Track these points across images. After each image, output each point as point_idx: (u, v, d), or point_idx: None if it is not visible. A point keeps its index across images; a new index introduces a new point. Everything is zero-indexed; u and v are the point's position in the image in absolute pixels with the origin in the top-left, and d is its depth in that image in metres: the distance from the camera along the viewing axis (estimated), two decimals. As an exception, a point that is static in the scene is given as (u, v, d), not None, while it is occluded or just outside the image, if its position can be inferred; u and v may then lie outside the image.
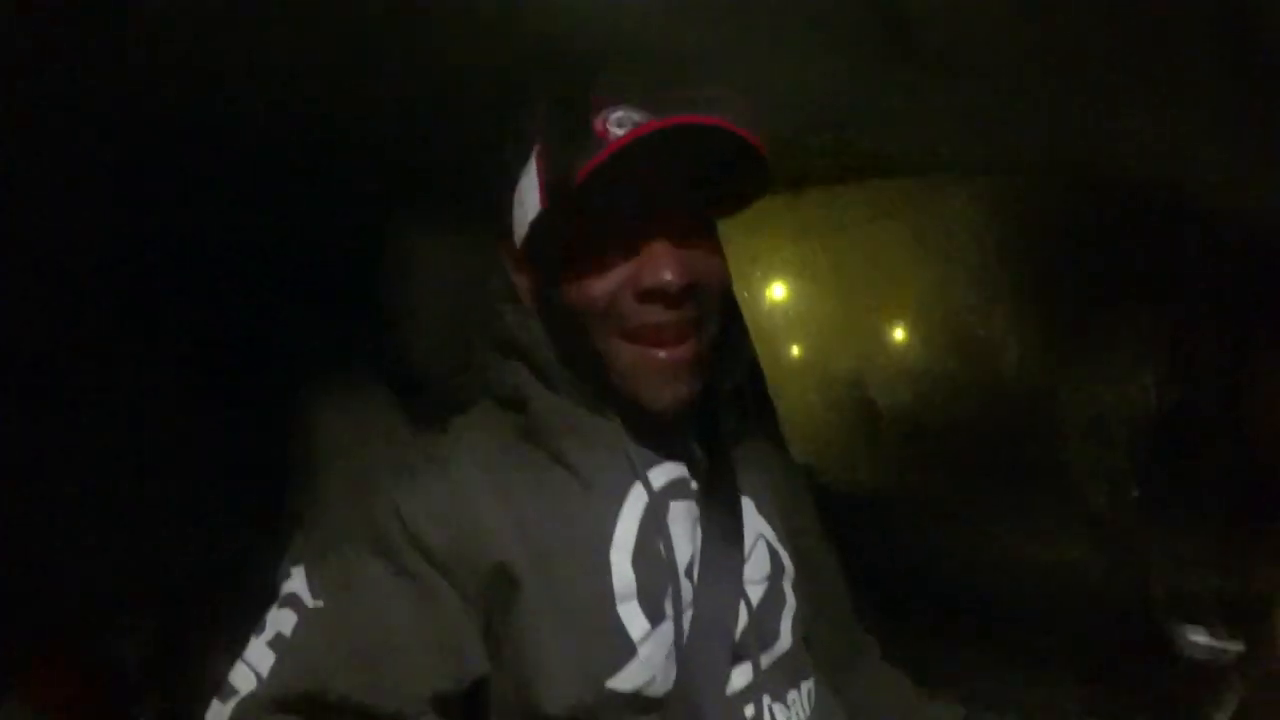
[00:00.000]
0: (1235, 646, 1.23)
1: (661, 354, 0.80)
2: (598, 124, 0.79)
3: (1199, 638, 1.32)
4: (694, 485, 0.87)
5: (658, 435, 0.85)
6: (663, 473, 0.85)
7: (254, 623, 0.78)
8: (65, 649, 1.59)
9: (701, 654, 0.79)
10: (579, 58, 1.00)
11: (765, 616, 0.86)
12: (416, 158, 1.02)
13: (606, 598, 0.78)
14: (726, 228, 0.90)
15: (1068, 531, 1.59)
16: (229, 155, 1.29)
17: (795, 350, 3.49)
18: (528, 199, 0.85)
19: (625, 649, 0.76)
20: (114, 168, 1.23)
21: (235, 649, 0.76)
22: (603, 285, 0.80)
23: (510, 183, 0.86)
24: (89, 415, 1.57)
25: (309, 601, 0.77)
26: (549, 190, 0.82)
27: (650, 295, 0.79)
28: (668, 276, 0.78)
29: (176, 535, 1.65)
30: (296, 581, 0.78)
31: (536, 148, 0.85)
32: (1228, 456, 2.40)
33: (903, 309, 3.37)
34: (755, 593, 0.86)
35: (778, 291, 3.41)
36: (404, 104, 1.12)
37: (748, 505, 0.91)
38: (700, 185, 0.83)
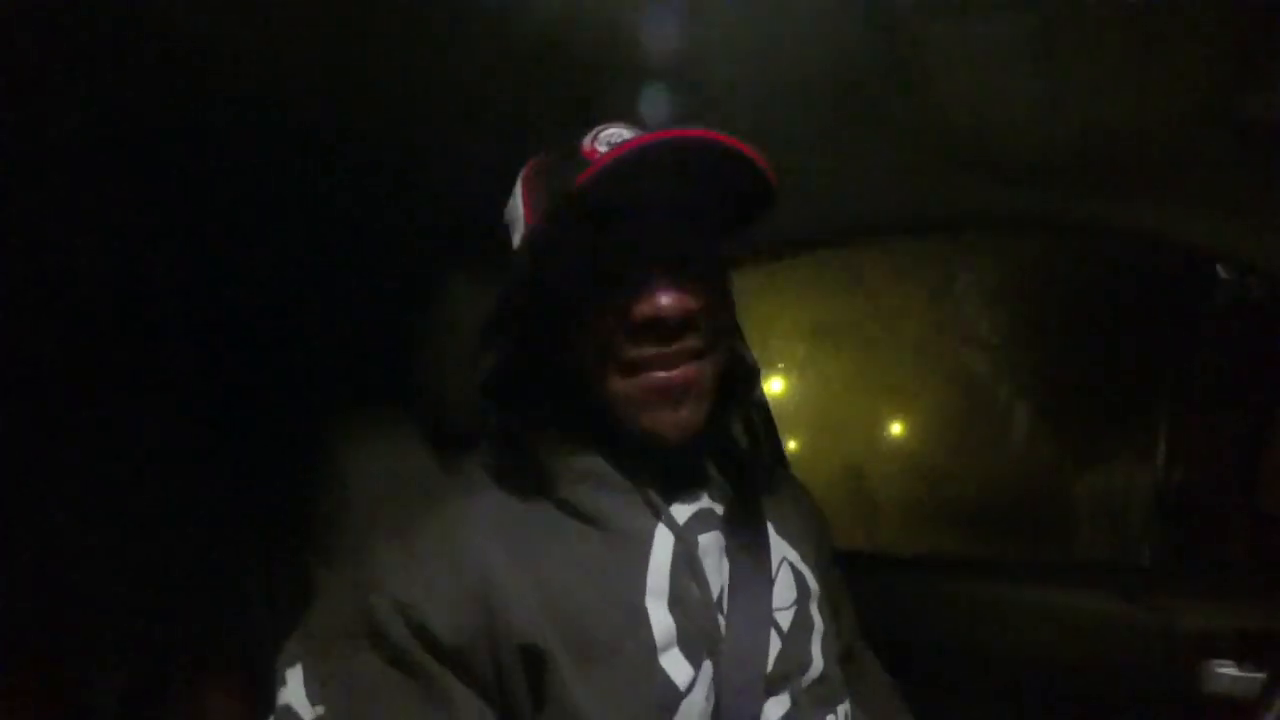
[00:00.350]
0: (1261, 675, 1.22)
1: (659, 375, 0.76)
2: (586, 144, 0.78)
3: (1225, 670, 1.30)
4: (718, 511, 0.84)
5: (672, 467, 0.82)
6: (685, 505, 0.82)
7: (249, 661, 0.74)
8: (39, 679, 1.49)
9: (737, 688, 0.76)
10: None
11: (796, 643, 0.83)
12: (464, 213, 1.06)
13: (648, 650, 0.73)
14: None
15: (1085, 577, 1.57)
16: (262, 203, 1.33)
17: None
18: (515, 230, 0.82)
19: (673, 699, 0.73)
20: (142, 200, 1.26)
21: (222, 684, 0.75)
22: (594, 319, 0.77)
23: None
24: (94, 447, 1.55)
25: (306, 714, 0.72)
26: (535, 215, 0.79)
27: (645, 328, 0.75)
28: (664, 302, 0.74)
29: (177, 571, 1.62)
30: (293, 688, 0.72)
31: (524, 170, 0.84)
32: (1243, 523, 2.39)
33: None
34: (784, 619, 0.83)
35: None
36: (454, 154, 1.15)
37: (769, 529, 0.88)
38: (703, 210, 0.80)
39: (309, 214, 1.35)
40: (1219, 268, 2.79)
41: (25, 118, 1.02)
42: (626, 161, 0.70)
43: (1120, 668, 1.41)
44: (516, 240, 0.83)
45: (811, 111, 1.13)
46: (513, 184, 0.85)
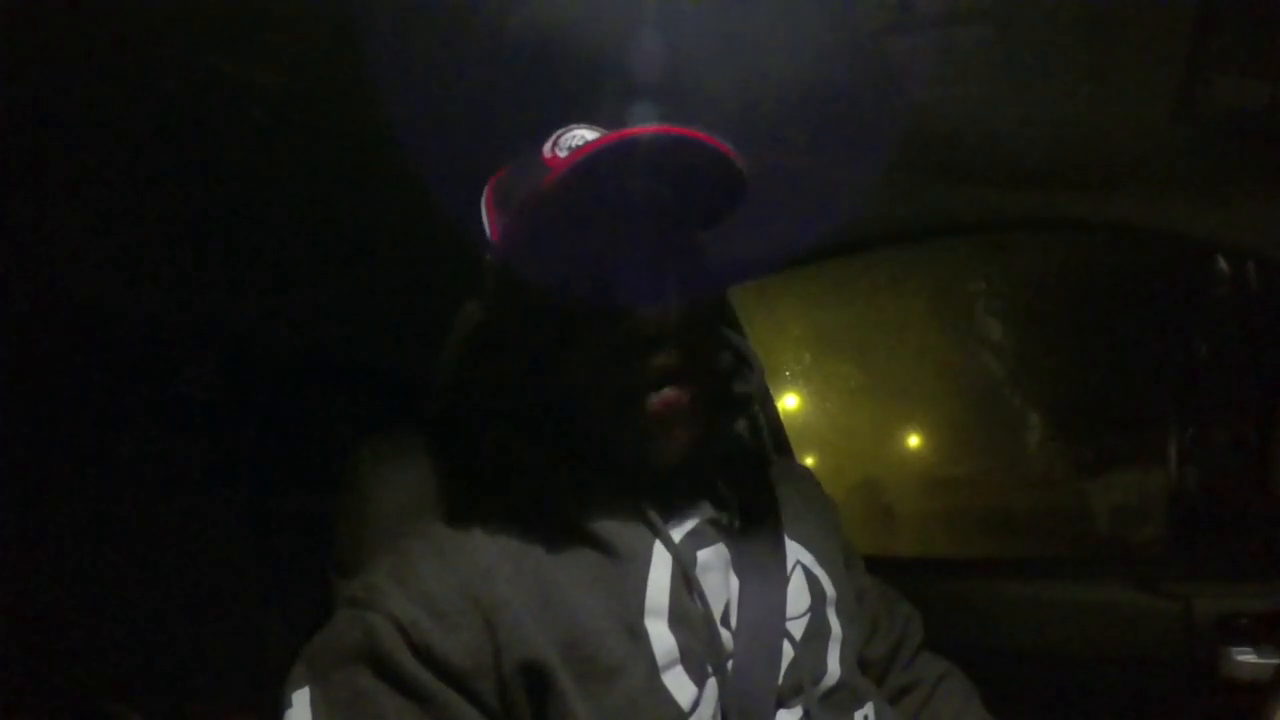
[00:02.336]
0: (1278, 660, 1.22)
1: (653, 399, 0.73)
2: (546, 150, 0.76)
3: (1245, 656, 1.30)
4: (723, 522, 0.81)
5: (672, 482, 0.80)
6: (685, 519, 0.80)
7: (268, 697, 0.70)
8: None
9: (744, 705, 0.74)
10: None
11: (810, 651, 0.81)
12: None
13: (650, 670, 0.71)
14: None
15: (1100, 568, 1.57)
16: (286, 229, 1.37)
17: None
18: (488, 248, 0.80)
19: (676, 719, 0.71)
20: (164, 222, 1.28)
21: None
22: (572, 337, 0.74)
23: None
24: (111, 476, 1.56)
25: None
26: (500, 231, 0.77)
27: (626, 346, 0.73)
28: (642, 316, 0.71)
29: (195, 607, 1.61)
30: (298, 712, 0.68)
31: (486, 189, 0.82)
32: (1258, 511, 2.38)
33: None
34: (797, 628, 0.81)
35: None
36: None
37: (782, 533, 0.85)
38: (677, 212, 0.78)
39: (332, 236, 1.37)
40: (1219, 259, 2.80)
41: (48, 130, 1.04)
42: (588, 162, 0.68)
43: (1138, 656, 1.40)
44: (487, 259, 0.81)
45: (797, 124, 1.16)
46: None
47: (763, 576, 0.81)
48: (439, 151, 1.13)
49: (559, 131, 0.77)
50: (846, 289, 3.16)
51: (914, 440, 3.66)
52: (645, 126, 0.69)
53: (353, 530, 0.98)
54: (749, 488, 0.86)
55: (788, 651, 0.78)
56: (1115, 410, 3.09)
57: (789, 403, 3.59)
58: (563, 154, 0.74)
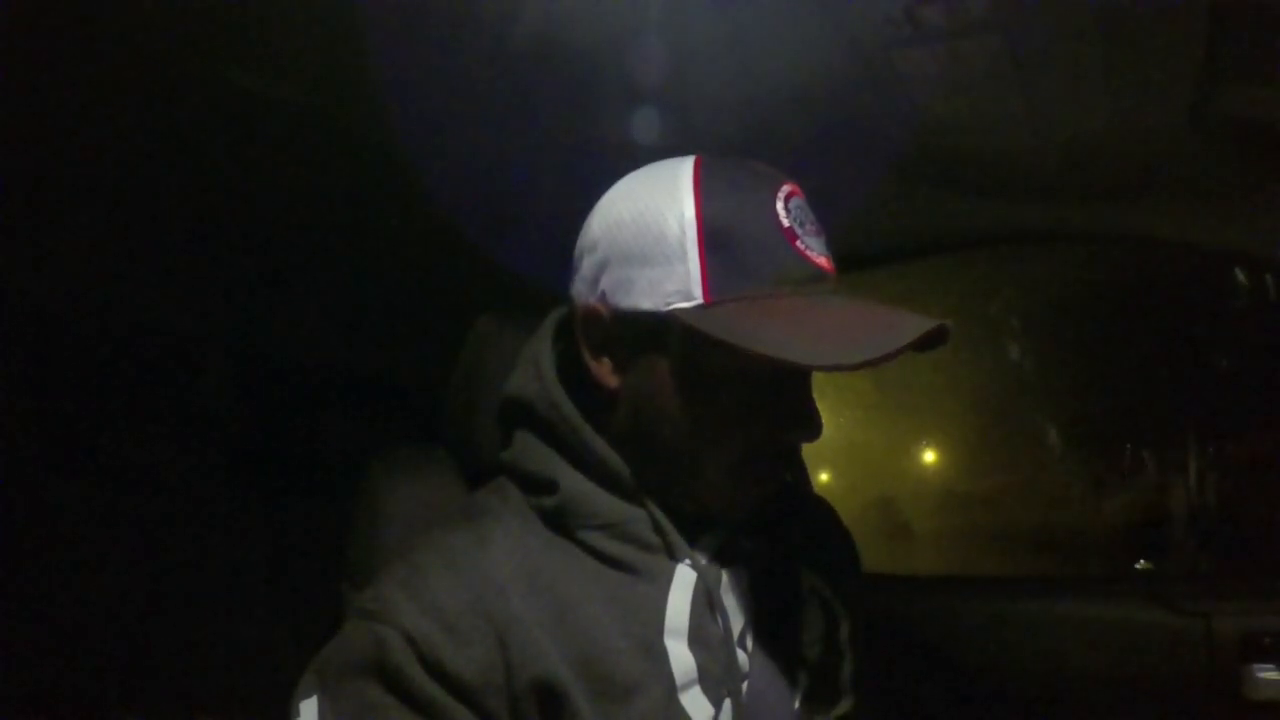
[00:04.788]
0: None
1: (756, 490, 0.76)
2: (781, 214, 0.71)
3: (1268, 674, 1.28)
4: (746, 545, 0.80)
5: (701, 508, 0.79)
6: (710, 541, 0.79)
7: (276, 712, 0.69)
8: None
9: None
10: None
11: (823, 678, 0.81)
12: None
13: (668, 690, 0.71)
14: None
15: (1123, 588, 1.56)
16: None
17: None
18: (661, 269, 0.71)
19: None
20: (172, 235, 1.29)
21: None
22: (734, 412, 0.72)
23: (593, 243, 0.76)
24: (118, 487, 1.56)
25: None
26: (716, 293, 0.69)
27: (787, 443, 0.76)
28: (816, 430, 0.74)
29: (202, 620, 1.61)
30: None
31: (691, 205, 0.71)
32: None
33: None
34: (812, 653, 0.81)
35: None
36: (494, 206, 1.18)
37: (799, 560, 0.86)
38: None
39: (350, 245, 1.38)
40: (1237, 271, 2.77)
41: (69, 140, 1.05)
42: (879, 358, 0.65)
43: (1159, 675, 1.39)
44: (695, 274, 0.71)
45: (801, 138, 1.16)
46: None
47: (779, 601, 0.81)
48: (446, 158, 1.13)
49: (783, 188, 0.73)
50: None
51: (930, 456, 3.64)
52: (921, 331, 0.66)
53: (365, 542, 0.99)
54: (772, 512, 0.84)
55: (802, 678, 0.79)
56: (1134, 425, 3.07)
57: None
58: (803, 247, 0.71)
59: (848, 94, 1.07)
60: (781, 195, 0.72)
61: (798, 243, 0.71)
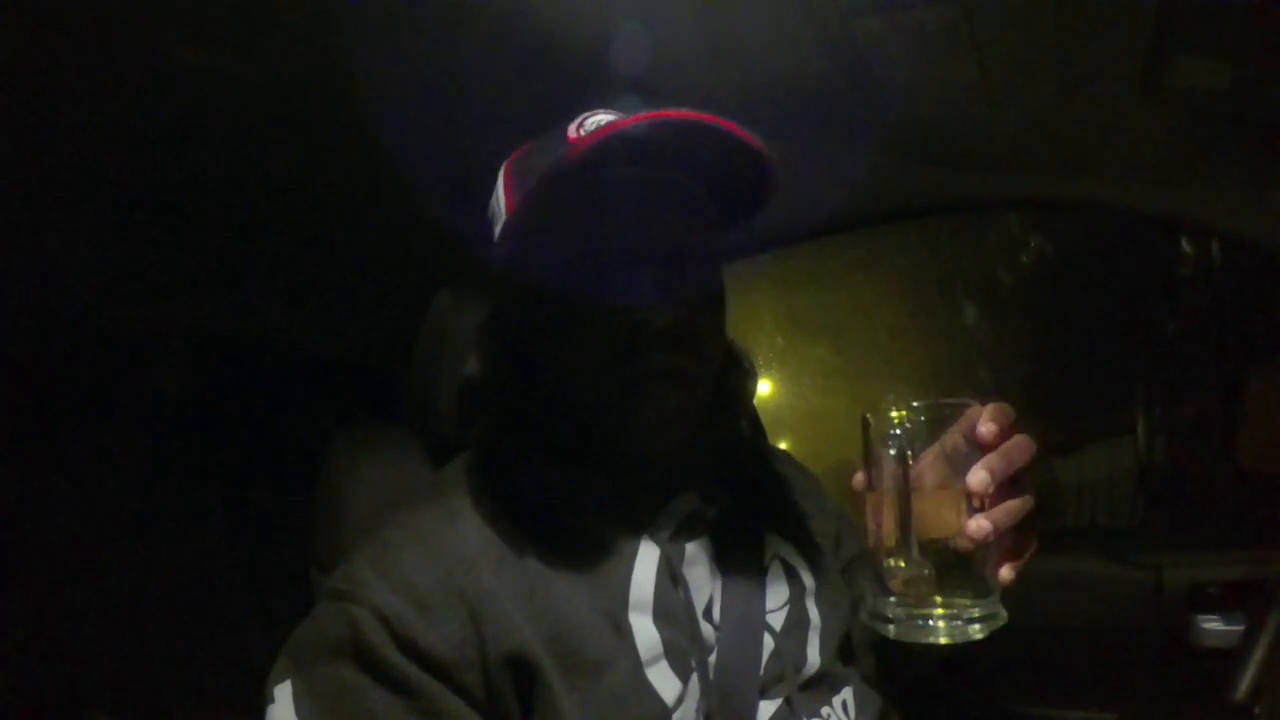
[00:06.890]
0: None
1: (649, 412, 0.73)
2: (570, 130, 0.76)
3: (1212, 624, 1.34)
4: (709, 515, 0.81)
5: (659, 474, 0.80)
6: (672, 512, 0.79)
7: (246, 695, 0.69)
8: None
9: (727, 699, 0.74)
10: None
11: (790, 643, 0.81)
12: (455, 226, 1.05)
13: (634, 665, 0.71)
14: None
15: (1074, 542, 1.60)
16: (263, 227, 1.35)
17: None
18: (497, 223, 0.79)
19: (660, 715, 0.70)
20: (137, 210, 1.26)
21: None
22: (576, 323, 0.73)
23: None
24: (83, 470, 1.54)
25: None
26: (516, 204, 0.75)
27: (635, 336, 0.72)
28: (652, 308, 0.70)
29: (171, 604, 1.60)
30: (281, 707, 0.66)
31: (507, 162, 0.81)
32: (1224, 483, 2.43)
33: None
34: (777, 620, 0.82)
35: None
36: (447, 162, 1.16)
37: (763, 527, 0.86)
38: (696, 204, 0.76)
39: (306, 226, 1.35)
40: (1183, 239, 2.84)
41: (25, 127, 1.02)
42: (612, 140, 0.66)
43: (1110, 626, 1.44)
44: (497, 234, 0.79)
45: (773, 112, 1.16)
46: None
47: (743, 571, 0.81)
48: (421, 145, 1.12)
49: (584, 114, 0.76)
50: (818, 272, 3.18)
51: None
52: (674, 110, 0.67)
53: (330, 523, 0.98)
54: (733, 482, 0.85)
55: (768, 644, 0.79)
56: (1085, 388, 3.15)
57: (763, 388, 3.61)
58: (586, 133, 0.73)
59: (807, 61, 1.07)
60: (579, 118, 0.76)
61: (579, 130, 0.74)
